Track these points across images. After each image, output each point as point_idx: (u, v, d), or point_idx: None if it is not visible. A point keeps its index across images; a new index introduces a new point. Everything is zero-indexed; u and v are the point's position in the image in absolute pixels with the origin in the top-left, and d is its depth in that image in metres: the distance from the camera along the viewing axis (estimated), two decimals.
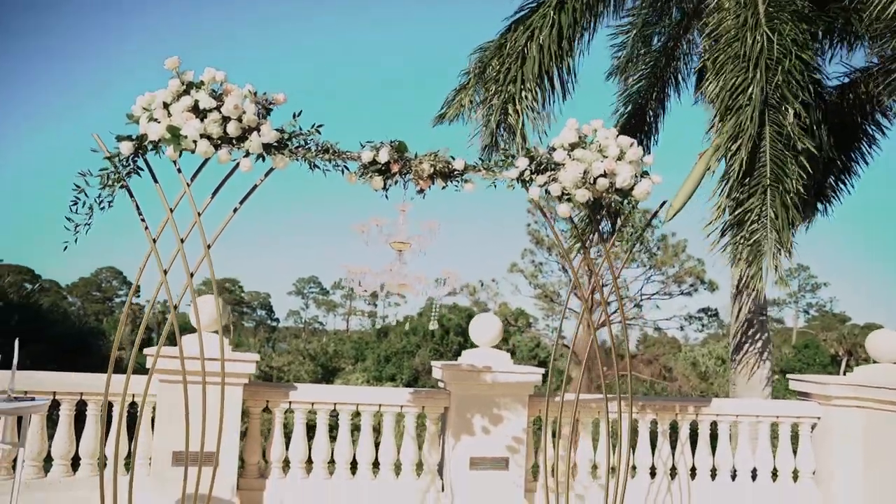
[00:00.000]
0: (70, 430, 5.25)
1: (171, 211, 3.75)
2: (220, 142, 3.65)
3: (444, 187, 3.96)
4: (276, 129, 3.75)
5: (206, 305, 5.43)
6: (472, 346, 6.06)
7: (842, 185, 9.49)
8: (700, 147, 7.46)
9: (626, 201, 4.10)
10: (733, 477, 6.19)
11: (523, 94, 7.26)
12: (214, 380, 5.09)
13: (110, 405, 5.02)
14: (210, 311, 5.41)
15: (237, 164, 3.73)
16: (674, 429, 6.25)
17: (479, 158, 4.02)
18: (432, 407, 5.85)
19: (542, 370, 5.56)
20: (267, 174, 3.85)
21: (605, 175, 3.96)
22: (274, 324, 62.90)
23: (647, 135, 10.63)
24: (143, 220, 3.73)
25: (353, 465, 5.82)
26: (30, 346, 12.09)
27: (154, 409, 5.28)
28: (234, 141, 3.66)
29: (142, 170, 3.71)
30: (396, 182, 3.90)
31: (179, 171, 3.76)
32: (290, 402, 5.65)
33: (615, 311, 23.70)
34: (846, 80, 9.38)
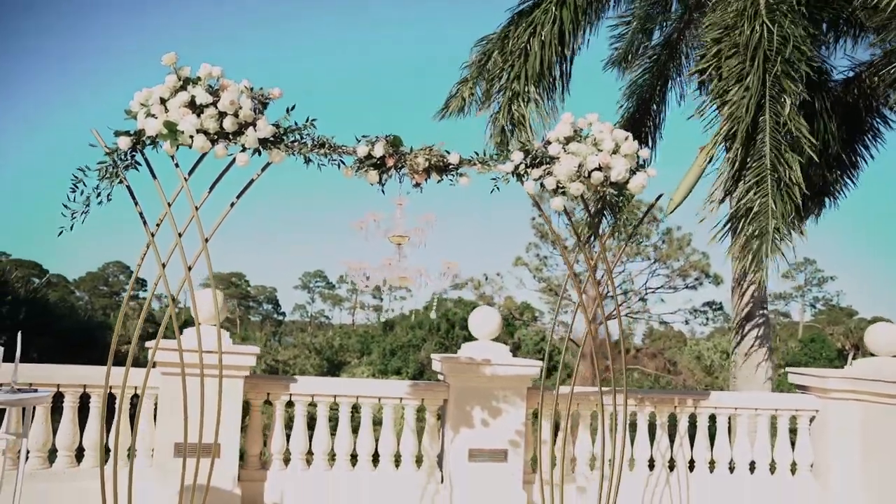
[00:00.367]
0: (74, 421, 5.33)
1: (170, 205, 3.80)
2: (216, 137, 3.68)
3: (439, 181, 3.99)
4: (273, 124, 3.78)
5: (207, 299, 5.49)
6: (473, 339, 6.10)
7: (847, 180, 9.46)
8: (701, 140, 7.44)
9: (621, 195, 4.11)
10: (731, 470, 6.21)
11: (528, 90, 7.27)
12: (215, 372, 5.16)
13: (112, 397, 5.09)
14: (211, 304, 5.48)
15: (234, 159, 3.76)
16: (672, 421, 6.28)
17: (474, 152, 4.03)
18: (431, 399, 5.89)
19: (541, 363, 5.57)
20: (264, 168, 3.89)
21: (599, 169, 3.98)
22: (280, 318, 63.14)
23: (652, 128, 10.61)
24: (141, 214, 3.77)
25: (354, 458, 5.88)
26: (37, 339, 12.19)
27: (156, 401, 5.35)
28: (230, 136, 3.70)
29: (140, 165, 3.75)
30: (392, 176, 3.93)
31: (177, 165, 3.80)
32: (290, 395, 5.71)
33: (620, 305, 23.72)
34: (851, 73, 9.34)
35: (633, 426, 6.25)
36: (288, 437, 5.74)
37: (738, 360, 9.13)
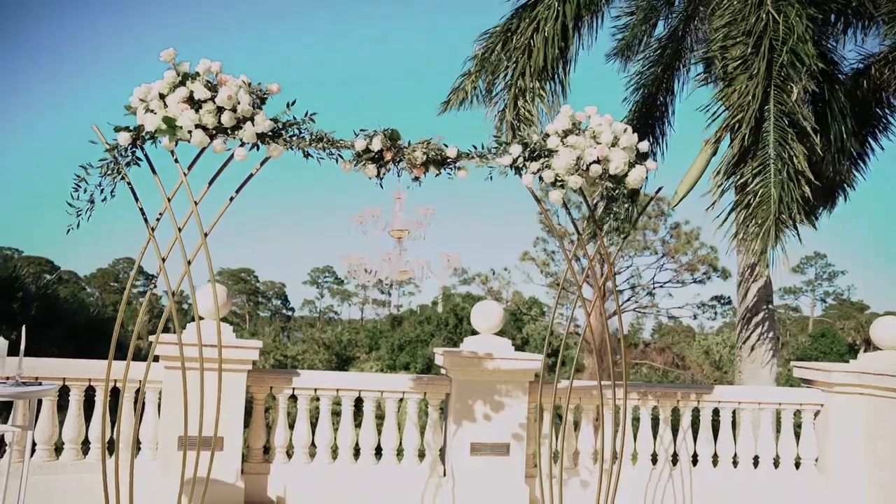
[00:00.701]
0: (80, 414, 5.39)
1: (169, 200, 3.82)
2: (215, 132, 3.70)
3: (437, 174, 3.99)
4: (271, 119, 3.80)
5: (209, 293, 5.52)
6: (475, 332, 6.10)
7: (857, 173, 9.38)
8: (707, 133, 7.40)
9: (619, 188, 4.10)
10: (735, 464, 6.19)
11: (533, 87, 7.25)
12: (217, 366, 5.20)
13: (115, 391, 5.14)
14: (218, 298, 5.51)
15: (233, 154, 3.78)
16: (676, 416, 6.27)
17: (473, 145, 4.03)
18: (434, 393, 5.91)
19: (542, 356, 5.57)
20: (262, 163, 3.90)
21: (598, 162, 3.97)
22: (289, 313, 63.43)
23: (659, 121, 10.55)
24: (141, 209, 3.80)
25: (357, 451, 5.91)
26: (48, 334, 12.32)
27: (160, 394, 5.40)
28: (228, 131, 3.72)
29: (140, 160, 3.78)
30: (390, 170, 3.94)
31: (176, 160, 3.83)
32: (293, 389, 5.74)
33: (628, 300, 23.64)
34: (860, 66, 9.25)
35: (636, 420, 6.24)
36: (291, 430, 5.77)
37: (743, 355, 9.09)
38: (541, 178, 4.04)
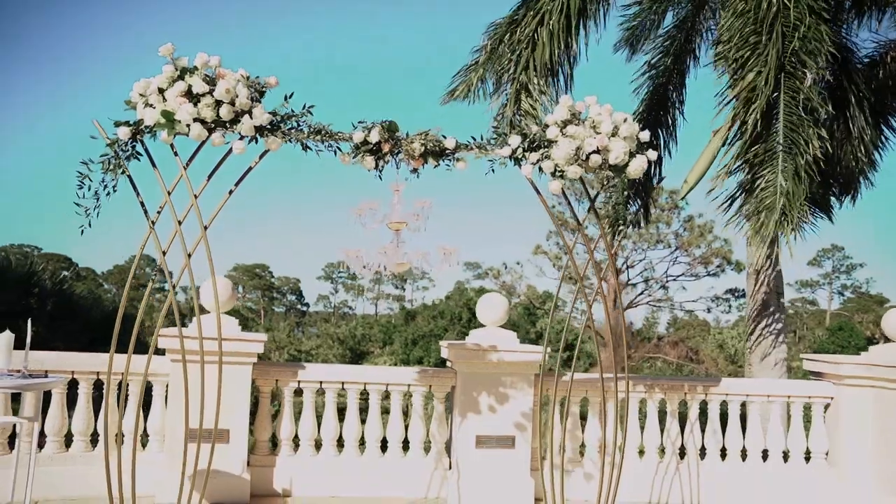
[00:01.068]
0: (88, 407, 5.46)
1: (169, 194, 3.85)
2: (213, 125, 3.71)
3: (436, 166, 3.97)
4: (269, 112, 3.80)
5: (219, 287, 5.56)
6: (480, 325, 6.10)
7: (876, 163, 9.21)
8: (716, 123, 7.31)
9: (619, 178, 4.06)
10: (744, 457, 6.14)
11: (535, 80, 7.19)
12: (225, 359, 5.22)
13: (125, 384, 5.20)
14: (221, 292, 5.54)
15: (231, 148, 3.79)
16: (683, 408, 6.22)
17: (472, 137, 4.01)
18: (439, 386, 5.91)
19: (548, 349, 5.55)
20: (261, 156, 3.91)
21: (598, 151, 3.93)
22: (304, 308, 63.79)
23: (670, 112, 10.43)
24: (142, 203, 3.83)
25: (362, 444, 5.94)
26: (63, 329, 12.50)
27: (167, 387, 5.45)
28: (227, 124, 3.72)
29: (140, 155, 3.80)
30: (388, 162, 3.93)
31: (176, 154, 3.84)
32: (298, 382, 5.77)
33: (641, 293, 23.50)
34: (876, 54, 9.10)
35: (642, 413, 6.20)
36: (297, 422, 5.81)
37: (753, 348, 9.00)
38: (540, 169, 4.01)
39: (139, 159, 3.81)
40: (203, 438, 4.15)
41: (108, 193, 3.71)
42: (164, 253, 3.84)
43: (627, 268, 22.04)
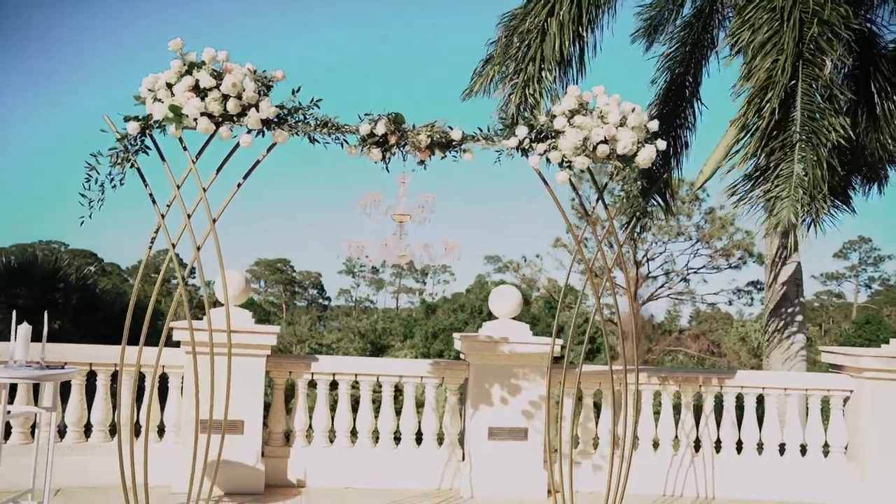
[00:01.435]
0: (106, 398, 5.57)
1: (178, 187, 3.90)
2: (220, 119, 3.76)
3: (442, 157, 3.98)
4: (276, 106, 3.84)
5: (231, 281, 5.62)
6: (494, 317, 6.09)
7: None
8: (732, 113, 7.19)
9: (628, 168, 4.03)
10: (760, 450, 6.06)
11: (543, 73, 7.11)
12: (239, 351, 5.30)
13: (142, 376, 5.29)
14: (234, 285, 5.61)
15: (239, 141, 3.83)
16: (698, 401, 6.16)
17: (478, 128, 4.00)
18: (452, 378, 5.92)
19: (559, 341, 5.52)
20: (269, 149, 3.95)
21: (605, 142, 3.90)
22: (325, 302, 64.22)
23: (688, 102, 10.27)
24: (151, 196, 3.88)
25: (376, 435, 5.97)
26: (87, 322, 12.77)
27: (182, 379, 5.54)
28: (234, 118, 3.76)
29: (150, 149, 3.86)
30: (395, 154, 3.94)
31: (185, 148, 3.90)
32: (312, 374, 5.82)
33: (662, 286, 23.28)
34: None
35: (657, 406, 6.16)
36: (310, 414, 5.86)
37: (771, 340, 8.87)
38: (548, 160, 3.99)
39: (148, 153, 3.87)
40: (216, 429, 4.22)
41: (115, 186, 3.77)
42: (173, 245, 3.90)
43: (647, 260, 21.85)
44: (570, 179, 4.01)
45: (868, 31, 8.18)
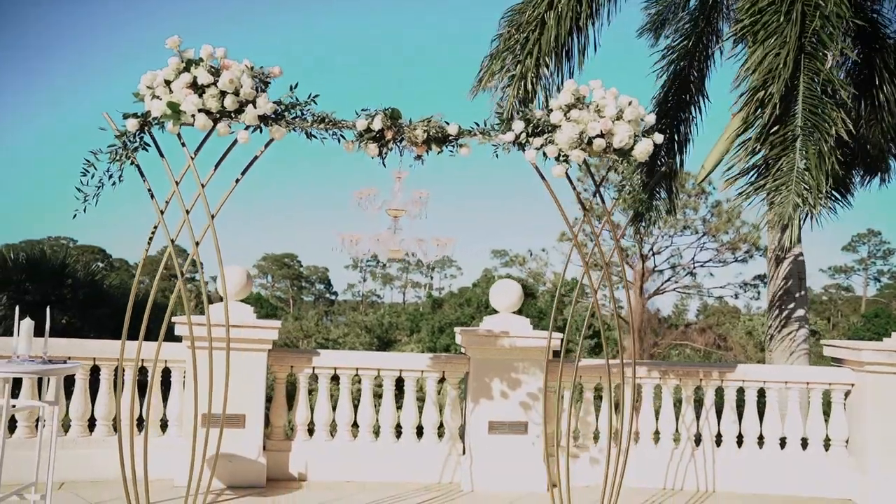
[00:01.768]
0: (110, 393, 5.62)
1: (177, 184, 3.93)
2: (218, 115, 3.78)
3: (439, 152, 3.99)
4: (274, 102, 3.85)
5: (233, 276, 5.67)
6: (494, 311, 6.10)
7: None
8: (735, 106, 7.15)
9: (626, 161, 4.03)
10: (761, 444, 6.06)
11: (540, 67, 7.09)
12: (240, 346, 5.35)
13: (145, 370, 5.35)
14: (235, 280, 5.65)
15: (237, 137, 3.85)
16: (698, 395, 6.16)
17: (475, 122, 4.01)
18: (452, 372, 5.95)
19: (560, 335, 5.53)
20: (267, 145, 3.97)
21: (602, 135, 3.90)
22: (332, 297, 64.41)
23: (693, 96, 10.23)
24: (150, 191, 3.91)
25: (377, 429, 6.01)
26: (94, 316, 12.88)
27: (185, 374, 5.58)
28: (232, 114, 3.79)
29: (149, 145, 3.88)
30: (392, 149, 3.95)
31: (184, 145, 3.92)
32: (313, 368, 5.86)
33: (668, 280, 23.22)
34: None
35: (657, 399, 6.16)
36: (312, 408, 5.90)
37: (773, 333, 8.85)
38: (545, 154, 4.00)
39: (147, 150, 3.90)
40: (217, 423, 4.26)
41: (114, 183, 3.80)
42: (172, 241, 3.93)
43: (654, 254, 21.79)
44: (576, 172, 4.02)
45: (873, 21, 8.12)
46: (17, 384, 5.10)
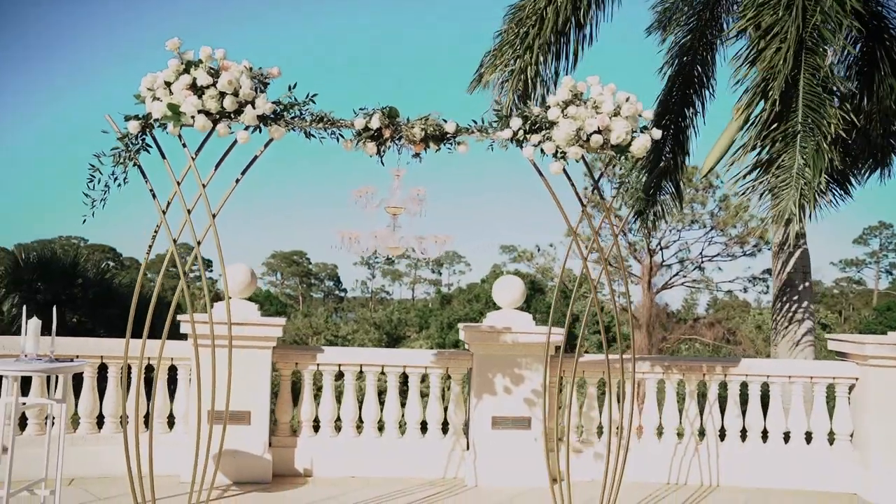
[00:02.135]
0: (117, 390, 5.69)
1: (179, 184, 3.98)
2: (218, 116, 3.82)
3: (437, 150, 4.02)
4: (273, 102, 3.89)
5: (237, 274, 5.73)
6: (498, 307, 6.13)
7: None
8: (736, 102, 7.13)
9: (623, 157, 4.04)
10: (765, 439, 6.05)
11: (539, 63, 7.09)
12: (245, 343, 5.41)
13: (151, 367, 5.42)
14: (239, 279, 5.71)
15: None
16: (702, 389, 6.17)
17: (472, 120, 4.03)
18: (456, 368, 5.98)
19: (562, 330, 5.55)
20: (266, 145, 4.01)
21: (599, 132, 3.91)
22: (342, 294, 64.62)
23: (698, 91, 10.19)
24: (151, 191, 3.97)
25: (381, 425, 6.05)
26: (104, 315, 13.02)
27: (190, 371, 5.64)
28: (231, 115, 3.83)
29: (150, 147, 3.94)
30: (390, 147, 3.98)
31: (185, 145, 3.97)
32: (318, 364, 5.91)
33: (676, 274, 23.14)
34: None
35: (661, 394, 6.17)
36: (316, 405, 5.95)
37: (778, 327, 8.82)
38: (542, 151, 4.01)
39: (149, 151, 3.95)
40: (230, 420, 4.31)
41: (119, 185, 3.86)
42: (174, 241, 3.98)
43: (661, 249, 21.71)
44: (583, 168, 4.04)
45: (876, 13, 8.05)
46: (27, 382, 5.18)
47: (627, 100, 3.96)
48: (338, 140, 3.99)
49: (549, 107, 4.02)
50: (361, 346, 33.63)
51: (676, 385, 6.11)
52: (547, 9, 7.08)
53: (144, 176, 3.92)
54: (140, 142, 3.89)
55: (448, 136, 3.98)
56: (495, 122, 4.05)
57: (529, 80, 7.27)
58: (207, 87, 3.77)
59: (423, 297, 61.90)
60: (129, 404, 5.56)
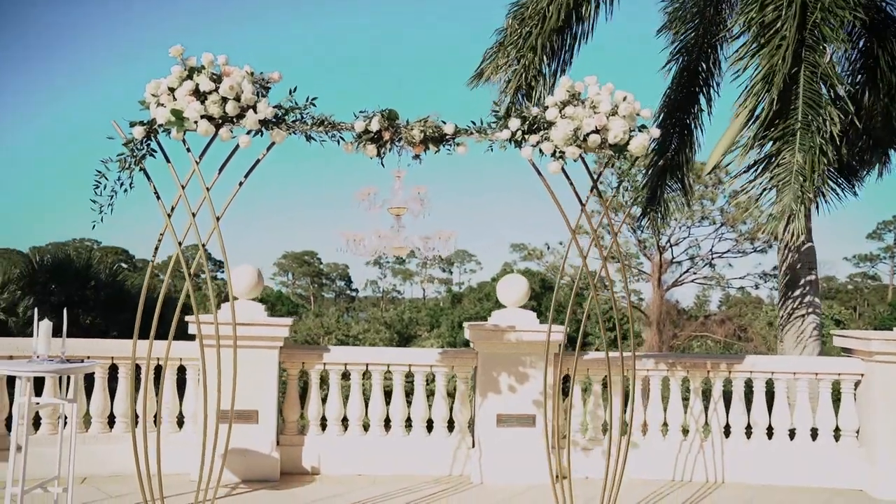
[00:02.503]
0: (128, 391, 5.79)
1: (183, 188, 4.05)
2: (220, 121, 3.89)
3: (436, 152, 4.07)
4: (274, 106, 3.96)
5: (244, 275, 5.81)
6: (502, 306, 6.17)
7: None
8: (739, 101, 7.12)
9: (622, 156, 4.07)
10: (770, 435, 6.06)
11: (541, 60, 7.12)
12: (252, 343, 5.49)
13: (159, 367, 5.51)
14: (246, 280, 5.80)
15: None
16: (707, 386, 6.18)
17: (471, 121, 4.08)
18: (461, 366, 6.03)
19: (562, 328, 5.57)
20: (268, 148, 4.07)
21: (597, 131, 3.95)
22: (353, 294, 64.84)
23: (702, 90, 10.18)
24: (155, 191, 4.04)
25: (387, 423, 6.11)
26: (115, 316, 13.20)
27: (199, 371, 5.73)
28: (233, 119, 3.90)
29: (155, 152, 4.01)
30: (390, 149, 4.04)
31: (189, 150, 4.04)
32: (324, 364, 5.98)
33: (687, 271, 23.05)
34: None
35: (666, 391, 6.19)
36: (324, 403, 6.02)
37: (784, 324, 8.80)
38: (541, 151, 4.05)
39: (154, 156, 4.03)
40: (238, 419, 4.38)
41: (126, 191, 3.94)
42: (179, 244, 4.06)
43: (671, 246, 21.65)
44: (590, 165, 4.08)
45: (878, 9, 8.00)
46: (40, 383, 5.29)
47: (625, 99, 3.99)
48: (338, 143, 4.05)
49: (547, 107, 4.06)
50: (372, 345, 33.72)
51: (681, 382, 6.12)
52: (549, 7, 7.09)
53: (150, 180, 4.00)
54: (145, 147, 3.96)
55: (447, 137, 4.03)
56: (494, 123, 4.09)
57: (532, 79, 7.29)
58: (210, 92, 3.84)
59: (434, 297, 61.95)
60: (138, 404, 5.67)
